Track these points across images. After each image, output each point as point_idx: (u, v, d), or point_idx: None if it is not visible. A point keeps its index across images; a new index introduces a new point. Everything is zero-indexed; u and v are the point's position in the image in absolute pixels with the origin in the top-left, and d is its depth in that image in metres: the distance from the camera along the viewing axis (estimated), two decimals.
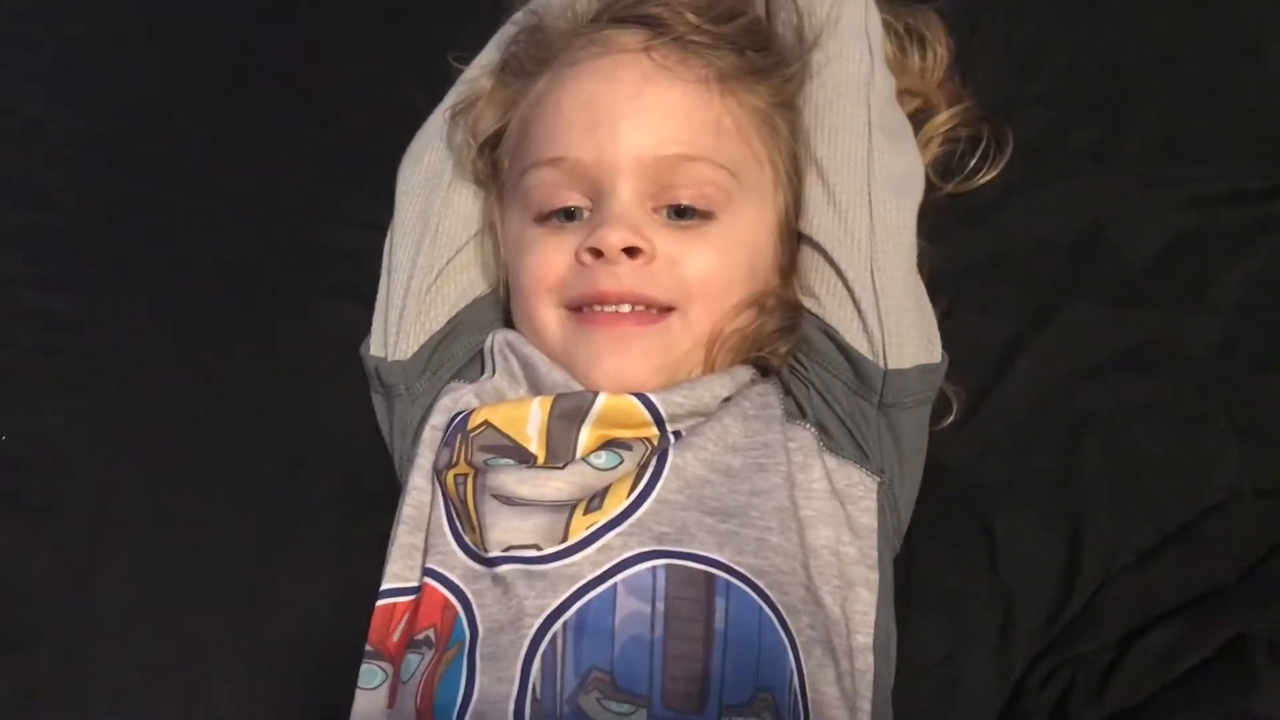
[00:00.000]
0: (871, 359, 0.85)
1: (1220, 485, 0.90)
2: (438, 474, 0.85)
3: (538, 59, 0.92)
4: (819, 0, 0.93)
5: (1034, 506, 0.92)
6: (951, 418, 0.92)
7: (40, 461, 1.01)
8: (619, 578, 0.75)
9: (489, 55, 1.01)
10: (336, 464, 0.99)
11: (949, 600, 0.89)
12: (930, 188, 0.99)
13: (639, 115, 0.86)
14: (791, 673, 0.75)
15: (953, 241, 0.98)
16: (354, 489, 0.97)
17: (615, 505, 0.78)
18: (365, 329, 0.97)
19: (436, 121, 1.00)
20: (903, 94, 1.00)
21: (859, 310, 0.85)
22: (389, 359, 0.93)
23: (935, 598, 0.89)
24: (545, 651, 0.73)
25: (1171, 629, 0.83)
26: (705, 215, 0.87)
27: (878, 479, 0.85)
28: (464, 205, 0.97)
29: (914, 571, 0.89)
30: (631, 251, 0.84)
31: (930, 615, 0.89)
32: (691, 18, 0.87)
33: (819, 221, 0.88)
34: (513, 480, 0.80)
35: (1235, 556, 0.87)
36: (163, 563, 0.96)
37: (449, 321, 0.94)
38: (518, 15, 0.99)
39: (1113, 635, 0.84)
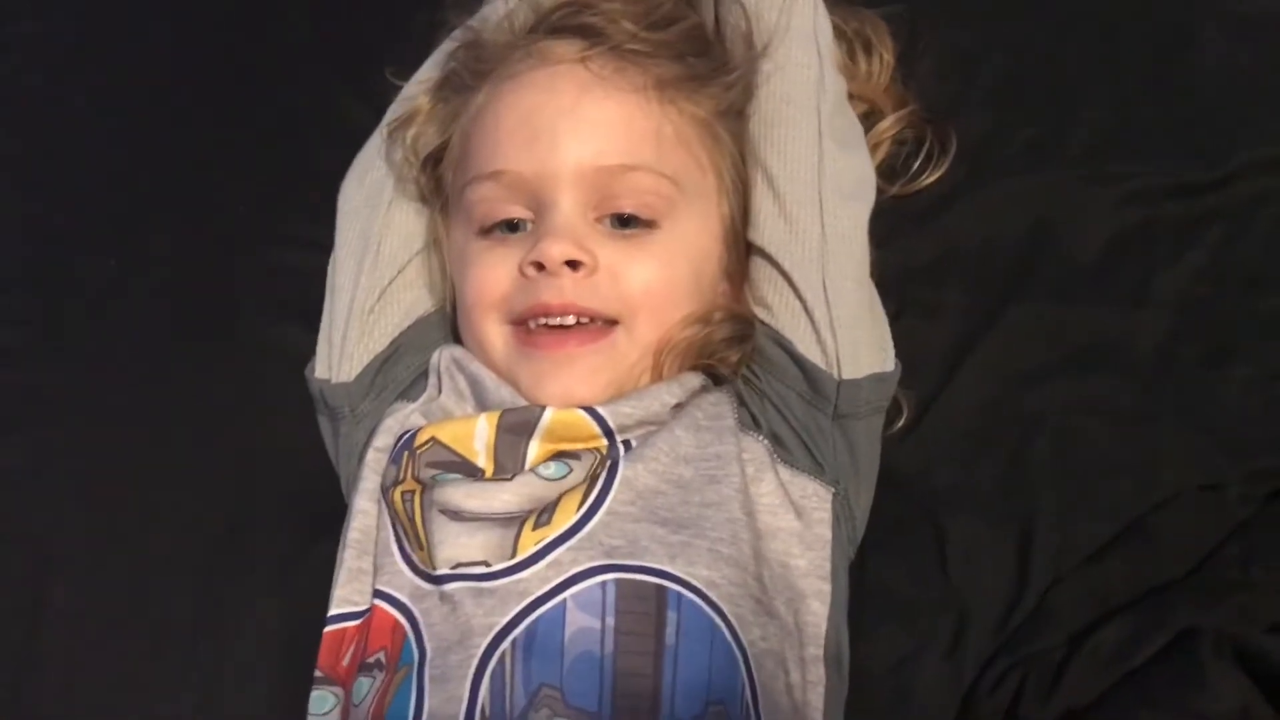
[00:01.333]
0: (825, 369, 0.84)
1: (1168, 481, 0.91)
2: (384, 492, 0.84)
3: (476, 72, 0.92)
4: (768, 5, 0.93)
5: (984, 509, 0.92)
6: (902, 422, 0.92)
7: None
8: (568, 593, 0.74)
9: (427, 72, 1.00)
10: (284, 488, 0.98)
11: (901, 607, 0.89)
12: (876, 191, 0.99)
13: (578, 126, 0.85)
14: (743, 685, 0.74)
15: (899, 245, 0.98)
16: (303, 513, 0.96)
17: (565, 520, 0.77)
18: (310, 350, 0.96)
19: (376, 141, 0.99)
20: (850, 99, 0.99)
21: (812, 320, 0.85)
22: (333, 381, 0.92)
23: (887, 605, 0.89)
24: (494, 670, 0.72)
25: (1121, 625, 0.83)
26: (648, 224, 0.86)
27: (832, 490, 0.85)
28: (405, 224, 0.96)
29: (866, 579, 0.89)
30: (574, 264, 0.83)
31: (882, 623, 0.89)
32: (628, 26, 0.87)
33: (769, 232, 0.88)
34: (461, 494, 0.79)
35: (1184, 551, 0.87)
36: (110, 593, 0.96)
37: (392, 343, 0.93)
38: (456, 32, 0.98)
39: (1064, 634, 0.84)
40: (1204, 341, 0.96)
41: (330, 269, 0.97)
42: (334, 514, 0.90)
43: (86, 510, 0.99)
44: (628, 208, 0.85)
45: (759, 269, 0.89)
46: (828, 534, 0.83)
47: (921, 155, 1.02)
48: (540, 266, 0.83)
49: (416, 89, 0.98)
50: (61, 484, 1.01)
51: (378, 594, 0.80)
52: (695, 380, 0.88)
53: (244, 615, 0.94)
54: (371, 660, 0.78)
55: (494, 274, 0.87)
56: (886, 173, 1.02)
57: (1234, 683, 0.76)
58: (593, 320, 0.85)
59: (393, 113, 0.99)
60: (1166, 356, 0.95)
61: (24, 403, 1.05)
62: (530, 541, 0.77)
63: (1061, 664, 0.82)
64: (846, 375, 0.84)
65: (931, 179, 1.02)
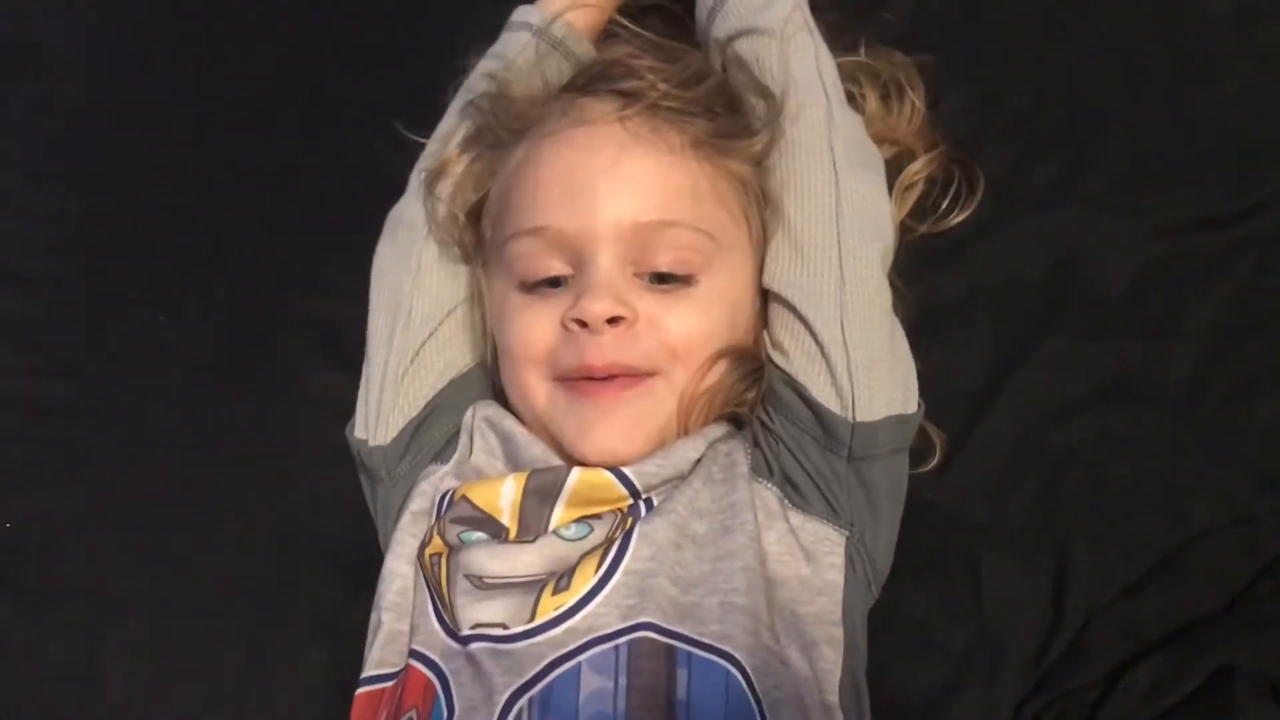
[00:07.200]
0: (840, 413, 0.84)
1: (1201, 515, 0.91)
2: (419, 554, 0.86)
3: (511, 129, 0.93)
4: (765, 51, 0.94)
5: (1018, 545, 0.92)
6: (935, 460, 0.92)
7: (39, 549, 1.04)
8: (583, 657, 0.75)
9: (451, 123, 1.01)
10: (328, 542, 1.00)
11: (936, 643, 0.90)
12: (905, 229, 1.00)
13: (617, 184, 0.86)
14: None
15: (927, 282, 0.99)
16: (347, 567, 0.97)
17: (583, 584, 0.78)
18: (353, 399, 0.97)
19: (407, 199, 1.01)
20: (881, 142, 1.00)
21: (829, 364, 0.84)
22: (370, 444, 0.94)
23: (922, 641, 0.90)
24: None
25: (1157, 663, 0.83)
26: (686, 279, 0.87)
27: (846, 534, 0.84)
28: (436, 285, 0.97)
29: (900, 615, 0.90)
30: (614, 320, 0.84)
31: (917, 659, 0.89)
32: (662, 85, 0.88)
33: (786, 276, 0.88)
34: (485, 556, 0.81)
35: (1218, 586, 0.87)
36: (161, 647, 0.98)
37: (426, 405, 0.94)
38: (472, 80, 1.00)
39: (1099, 671, 0.85)
40: (1232, 372, 0.96)
41: (368, 331, 0.98)
42: (377, 568, 0.90)
43: (139, 564, 1.02)
44: (665, 264, 0.86)
45: (775, 314, 0.89)
46: (839, 579, 0.83)
47: (950, 195, 1.03)
48: (582, 323, 0.85)
49: (443, 145, 0.99)
50: (114, 539, 1.03)
51: (413, 654, 0.81)
52: (718, 431, 0.88)
53: (289, 672, 0.96)
54: (404, 719, 0.78)
55: (536, 328, 0.87)
56: (916, 212, 1.02)
57: None
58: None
59: (421, 168, 1.00)
60: (1196, 389, 0.96)
61: (75, 458, 1.08)
62: (549, 607, 0.77)
63: (1096, 703, 0.83)
64: (861, 418, 0.83)
65: (960, 218, 1.03)
